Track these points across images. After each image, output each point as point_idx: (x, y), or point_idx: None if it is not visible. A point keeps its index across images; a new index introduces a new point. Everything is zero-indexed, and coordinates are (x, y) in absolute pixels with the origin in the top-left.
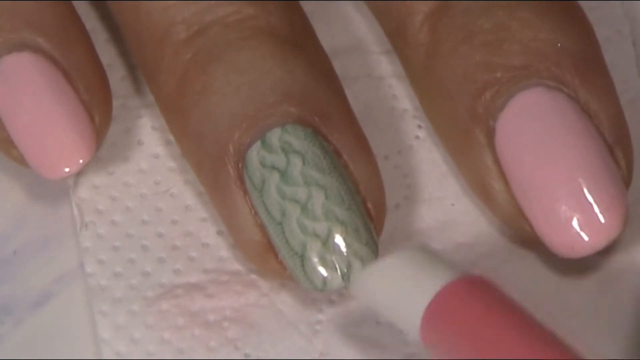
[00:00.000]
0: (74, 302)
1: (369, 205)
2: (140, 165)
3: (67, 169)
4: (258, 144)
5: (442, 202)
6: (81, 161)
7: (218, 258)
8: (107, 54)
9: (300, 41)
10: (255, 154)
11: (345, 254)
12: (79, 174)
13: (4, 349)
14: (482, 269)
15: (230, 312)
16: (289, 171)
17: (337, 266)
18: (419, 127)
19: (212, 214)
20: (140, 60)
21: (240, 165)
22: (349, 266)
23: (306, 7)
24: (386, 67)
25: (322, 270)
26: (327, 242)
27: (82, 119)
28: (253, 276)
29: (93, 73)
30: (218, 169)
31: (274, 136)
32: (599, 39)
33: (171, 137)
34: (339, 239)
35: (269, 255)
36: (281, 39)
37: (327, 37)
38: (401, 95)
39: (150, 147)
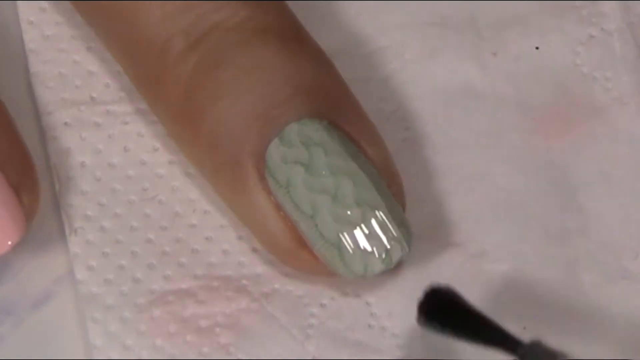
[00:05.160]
0: (73, 302)
1: (391, 187)
2: (128, 172)
3: None
4: (276, 141)
5: (430, 203)
6: (10, 243)
7: (208, 264)
8: (91, 61)
9: (300, 35)
10: (275, 151)
11: (382, 237)
12: (66, 180)
13: (3, 348)
14: (471, 269)
15: (222, 318)
16: (314, 163)
17: (376, 251)
18: (406, 129)
19: (201, 220)
20: (136, 77)
21: (261, 165)
22: (388, 249)
23: None
24: (372, 68)
25: (362, 257)
26: (362, 228)
27: (12, 201)
28: (244, 281)
29: (20, 156)
30: (238, 172)
31: (292, 131)
32: (584, 37)
33: (157, 144)
34: (374, 224)
35: (302, 252)
36: (283, 36)
37: None
38: (388, 97)
39: (137, 153)
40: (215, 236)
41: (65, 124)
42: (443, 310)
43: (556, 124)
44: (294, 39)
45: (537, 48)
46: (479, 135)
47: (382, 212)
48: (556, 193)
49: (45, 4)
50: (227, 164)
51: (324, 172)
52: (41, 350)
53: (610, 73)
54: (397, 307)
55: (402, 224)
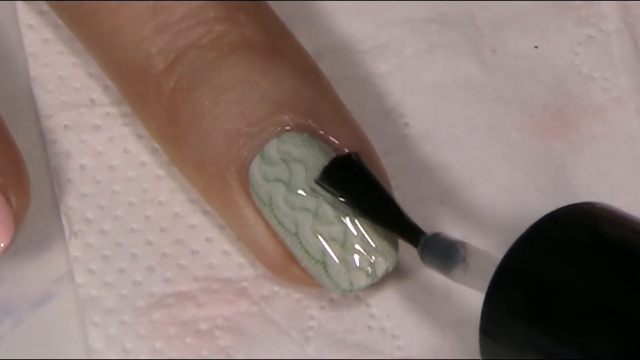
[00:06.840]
0: (73, 303)
1: None
2: (128, 174)
3: None
4: (258, 159)
5: (430, 201)
6: (2, 245)
7: (208, 265)
8: (90, 63)
9: (278, 46)
10: (256, 169)
11: (365, 251)
12: (66, 182)
13: (3, 348)
14: None
15: (222, 321)
16: (293, 181)
17: (361, 265)
18: (406, 125)
19: (201, 221)
20: (125, 95)
21: (246, 183)
22: (372, 263)
23: (287, 8)
24: (370, 65)
25: (347, 272)
26: (345, 243)
27: None
28: (244, 284)
29: (6, 155)
30: (226, 190)
31: (272, 148)
32: (582, 37)
33: (157, 145)
34: (356, 238)
35: (292, 266)
36: (259, 48)
37: (310, 39)
38: (387, 93)
39: (137, 155)
40: (215, 237)
41: (65, 126)
42: (353, 179)
43: (555, 123)
44: (272, 50)
45: (536, 47)
46: (479, 132)
47: (364, 226)
48: (556, 193)
49: (44, 7)
50: (214, 182)
51: (304, 189)
52: (41, 350)
53: (609, 73)
54: (396, 308)
55: (386, 235)
